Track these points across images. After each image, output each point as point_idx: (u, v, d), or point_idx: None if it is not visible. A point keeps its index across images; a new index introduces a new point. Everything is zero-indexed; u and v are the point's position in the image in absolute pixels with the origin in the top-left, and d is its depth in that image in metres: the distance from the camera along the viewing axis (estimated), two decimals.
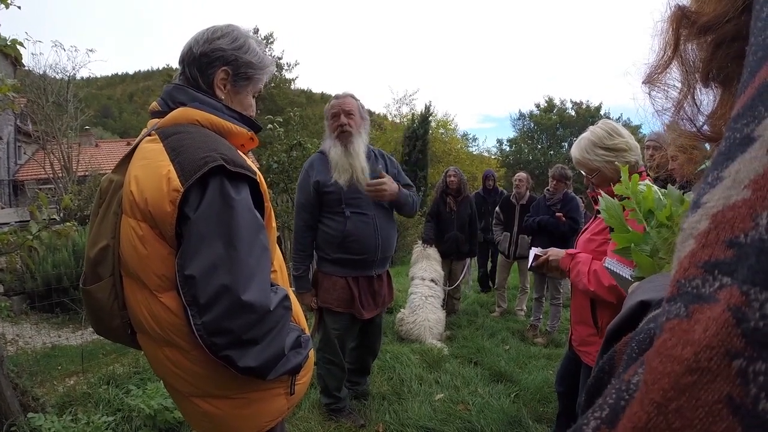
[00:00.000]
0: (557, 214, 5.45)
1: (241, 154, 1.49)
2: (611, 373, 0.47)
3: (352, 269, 3.15)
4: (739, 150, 0.31)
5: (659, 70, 0.54)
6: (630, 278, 1.30)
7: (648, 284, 0.64)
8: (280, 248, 1.73)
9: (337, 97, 3.16)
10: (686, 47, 0.50)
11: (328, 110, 3.15)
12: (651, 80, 0.56)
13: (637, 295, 0.58)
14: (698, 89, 0.51)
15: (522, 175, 6.65)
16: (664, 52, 0.53)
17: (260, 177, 1.47)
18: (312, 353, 1.65)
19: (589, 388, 0.50)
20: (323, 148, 3.17)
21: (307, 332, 1.63)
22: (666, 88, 0.55)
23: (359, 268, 3.16)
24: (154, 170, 1.34)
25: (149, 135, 1.47)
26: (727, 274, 0.29)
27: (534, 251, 2.57)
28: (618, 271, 1.50)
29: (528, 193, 6.53)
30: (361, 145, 3.08)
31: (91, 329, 5.52)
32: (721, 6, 0.45)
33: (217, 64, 1.53)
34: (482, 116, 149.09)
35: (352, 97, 3.15)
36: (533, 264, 2.54)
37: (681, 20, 0.49)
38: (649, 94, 0.57)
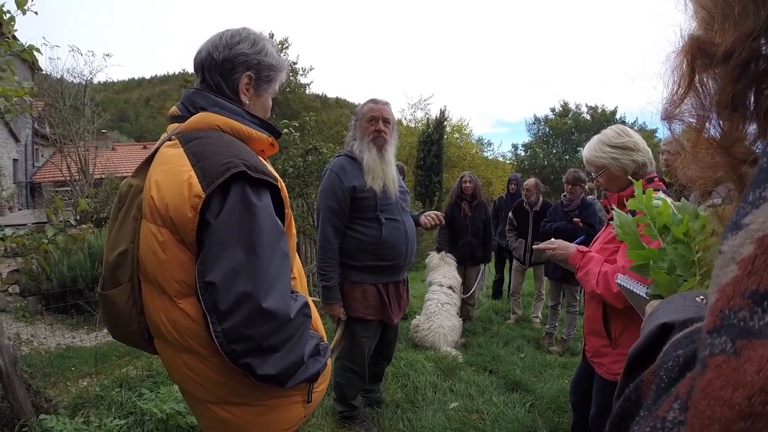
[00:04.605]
0: (575, 219, 5.39)
1: (262, 159, 1.49)
2: (639, 403, 0.46)
3: (382, 275, 3.11)
4: None
5: (675, 105, 0.53)
6: (645, 296, 1.27)
7: (668, 305, 0.62)
8: (299, 254, 1.72)
9: (375, 101, 3.11)
10: (701, 78, 0.49)
11: (364, 112, 3.08)
12: (668, 115, 0.55)
13: (658, 317, 0.56)
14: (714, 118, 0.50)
15: (531, 181, 6.55)
16: (679, 86, 0.52)
17: (281, 183, 1.47)
18: (329, 361, 1.63)
19: (614, 419, 0.49)
20: (350, 151, 3.10)
21: (326, 340, 1.62)
22: (683, 118, 0.54)
23: (389, 274, 3.14)
24: (175, 175, 1.33)
25: (169, 140, 1.47)
26: None
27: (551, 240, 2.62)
28: (632, 288, 1.46)
29: (540, 198, 6.46)
30: (392, 154, 3.11)
31: (105, 331, 5.58)
32: (740, 32, 0.43)
33: (241, 69, 1.53)
34: (496, 121, 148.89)
35: (389, 106, 3.14)
36: (535, 249, 2.63)
37: (695, 51, 0.48)
38: (669, 129, 0.56)
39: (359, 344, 3.17)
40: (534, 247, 2.72)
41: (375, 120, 3.04)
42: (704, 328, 0.31)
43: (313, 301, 1.72)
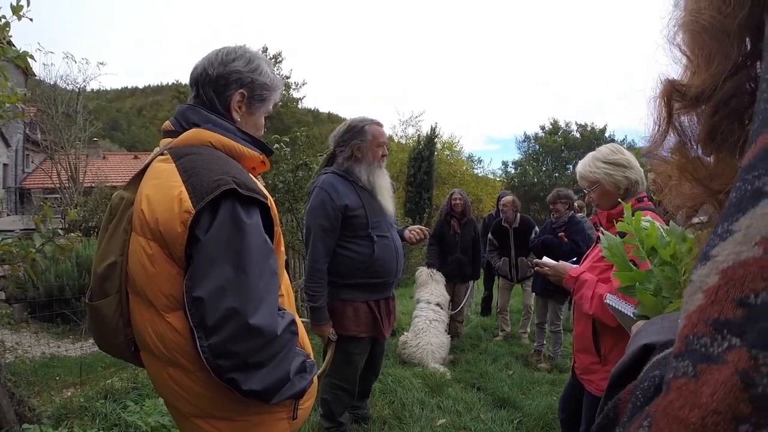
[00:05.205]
0: (560, 234, 5.48)
1: (252, 177, 1.50)
2: (616, 420, 0.47)
3: (373, 293, 3.08)
4: (750, 204, 0.31)
5: (657, 144, 0.56)
6: (632, 316, 1.29)
7: (651, 326, 0.64)
8: (288, 270, 1.72)
9: (379, 124, 3.10)
10: (681, 120, 0.52)
11: (374, 135, 3.04)
12: (651, 153, 0.58)
13: (641, 337, 0.58)
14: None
15: (508, 199, 6.59)
16: (659, 126, 0.55)
17: (271, 201, 1.48)
18: (316, 378, 1.63)
19: None
20: (345, 170, 3.04)
21: (312, 357, 1.62)
22: (665, 156, 0.57)
23: (379, 290, 3.11)
24: (166, 190, 1.34)
25: (162, 154, 1.48)
26: (736, 334, 0.29)
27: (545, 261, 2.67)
28: (620, 308, 1.48)
29: (518, 215, 6.48)
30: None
31: (90, 341, 5.52)
32: (710, 74, 0.46)
33: (234, 86, 1.55)
34: (487, 138, 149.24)
35: None
36: (536, 268, 2.71)
37: (671, 94, 0.52)
38: (650, 167, 0.60)
39: (352, 362, 3.14)
40: (534, 261, 2.77)
41: (383, 145, 3.06)
42: (673, 352, 0.33)
43: (302, 322, 1.72)
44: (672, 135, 0.54)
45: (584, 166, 2.48)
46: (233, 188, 1.31)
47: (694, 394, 0.29)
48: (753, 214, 0.31)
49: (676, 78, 0.52)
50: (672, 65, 0.54)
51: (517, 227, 6.37)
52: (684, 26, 0.49)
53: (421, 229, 3.43)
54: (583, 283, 2.32)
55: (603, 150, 2.47)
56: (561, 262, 2.59)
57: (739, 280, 0.30)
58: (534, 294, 6.17)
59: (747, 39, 0.44)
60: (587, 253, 2.65)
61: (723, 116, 0.46)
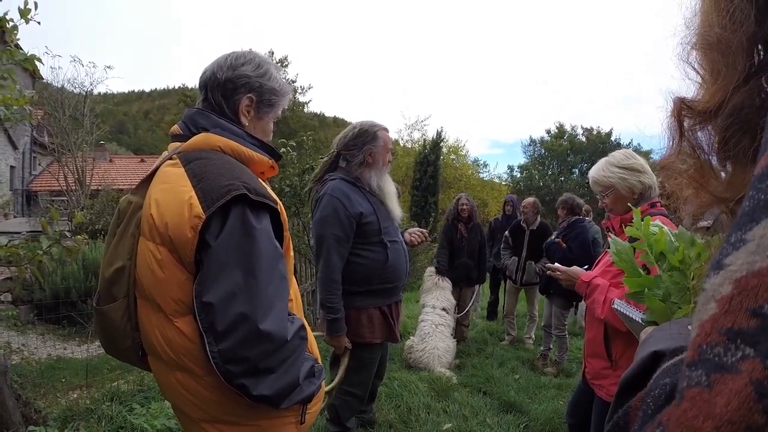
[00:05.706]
0: (557, 240, 5.52)
1: (261, 182, 1.50)
2: (626, 428, 0.47)
3: (386, 297, 3.05)
4: (763, 213, 0.32)
5: (672, 158, 0.58)
6: (641, 321, 1.28)
7: (660, 332, 0.64)
8: (294, 275, 1.72)
9: (387, 129, 3.08)
10: (697, 135, 0.54)
11: (385, 141, 3.04)
12: (665, 167, 0.60)
13: (650, 344, 0.58)
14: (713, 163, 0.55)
15: (529, 200, 6.60)
16: (673, 142, 0.57)
17: (281, 206, 1.48)
18: (323, 383, 1.63)
19: None
20: (356, 176, 3.00)
21: (320, 362, 1.61)
22: (678, 169, 0.59)
23: (391, 295, 3.09)
24: (175, 195, 1.34)
25: (170, 158, 1.48)
26: (750, 345, 0.29)
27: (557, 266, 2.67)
28: (628, 314, 1.47)
29: (538, 218, 6.48)
30: None
31: (96, 343, 5.54)
32: (717, 87, 0.47)
33: (243, 90, 1.55)
34: (491, 142, 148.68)
35: None
36: (547, 272, 2.75)
37: (680, 111, 0.54)
38: (664, 182, 0.62)
39: (366, 368, 3.11)
40: (546, 265, 2.77)
41: (390, 150, 3.06)
42: (685, 360, 0.33)
43: (315, 336, 1.72)
44: (686, 148, 0.56)
45: (598, 171, 2.48)
46: (244, 193, 1.31)
47: (708, 404, 0.29)
48: (767, 223, 0.31)
49: (687, 95, 0.54)
50: (685, 81, 0.55)
51: (534, 230, 6.37)
52: (695, 45, 0.51)
53: (421, 232, 3.44)
54: (595, 287, 2.32)
55: (617, 155, 2.47)
56: (574, 267, 2.58)
57: (753, 290, 0.30)
58: (538, 300, 6.17)
59: (758, 51, 0.45)
60: (599, 257, 2.65)
61: (734, 127, 0.47)
